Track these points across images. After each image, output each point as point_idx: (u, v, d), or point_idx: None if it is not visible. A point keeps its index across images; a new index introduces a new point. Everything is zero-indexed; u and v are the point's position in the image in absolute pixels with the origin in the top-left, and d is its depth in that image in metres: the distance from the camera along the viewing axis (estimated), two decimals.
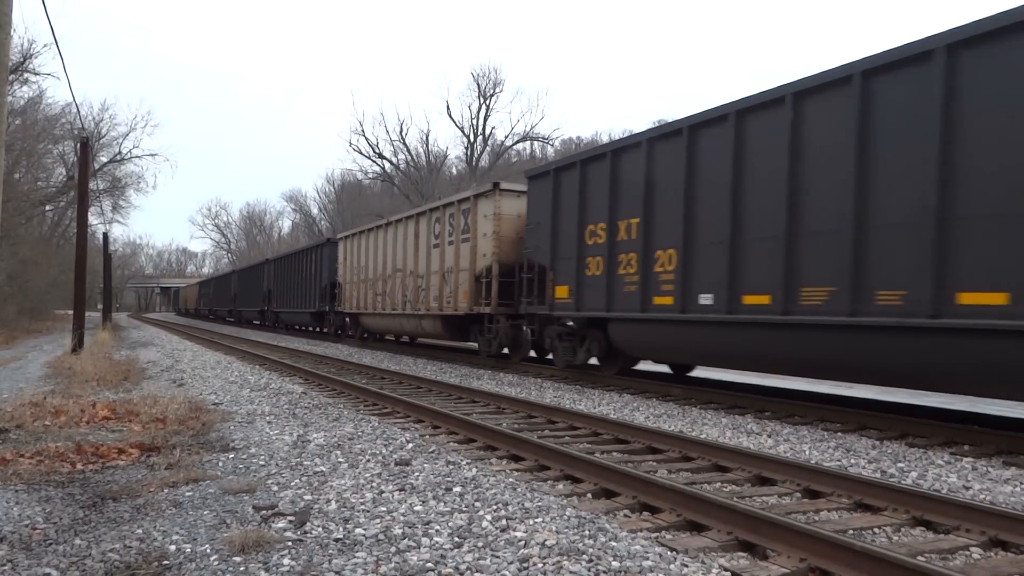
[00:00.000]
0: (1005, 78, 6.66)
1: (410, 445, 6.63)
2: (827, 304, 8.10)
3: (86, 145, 20.33)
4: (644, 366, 13.96)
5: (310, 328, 30.70)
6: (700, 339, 10.07)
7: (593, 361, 12.91)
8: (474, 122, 54.35)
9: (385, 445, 6.61)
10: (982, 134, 6.81)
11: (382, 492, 4.95)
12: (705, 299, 9.74)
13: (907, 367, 7.62)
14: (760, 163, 8.98)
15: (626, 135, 13.05)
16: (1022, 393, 7.01)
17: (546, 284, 13.29)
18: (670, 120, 10.90)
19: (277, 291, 34.63)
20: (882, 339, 7.62)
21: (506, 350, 15.60)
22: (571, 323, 13.10)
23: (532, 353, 15.59)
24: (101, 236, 44.55)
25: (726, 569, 3.71)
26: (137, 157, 50.26)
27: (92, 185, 28.66)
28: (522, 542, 3.93)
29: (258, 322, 41.67)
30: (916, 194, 7.26)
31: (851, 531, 4.38)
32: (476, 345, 16.58)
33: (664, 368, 13.71)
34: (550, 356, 14.40)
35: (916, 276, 7.21)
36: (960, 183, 6.92)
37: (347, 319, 25.52)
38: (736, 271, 9.26)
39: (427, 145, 57.48)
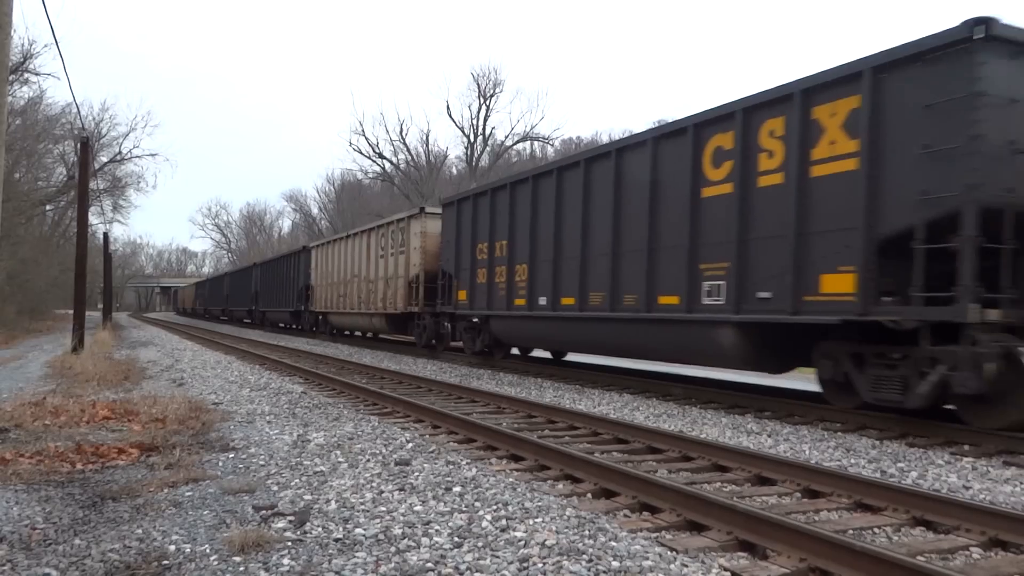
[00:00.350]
0: (668, 162, 10.46)
1: (410, 445, 6.63)
2: (602, 304, 11.68)
3: (86, 145, 20.33)
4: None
5: (292, 326, 34.17)
6: (540, 329, 14.03)
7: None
8: (474, 122, 54.43)
9: (385, 445, 6.61)
10: (666, 197, 10.44)
11: (382, 492, 4.96)
12: (542, 300, 13.38)
13: (642, 345, 11.66)
14: (569, 210, 12.68)
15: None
16: (699, 360, 10.92)
17: (452, 289, 16.83)
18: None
19: (263, 292, 38.38)
20: (627, 326, 11.32)
21: (434, 341, 18.77)
22: (475, 319, 16.33)
23: (459, 344, 17.85)
24: (101, 236, 44.59)
25: (726, 569, 3.71)
26: (137, 157, 50.26)
27: (92, 185, 28.65)
28: (522, 542, 3.93)
29: (249, 320, 44.60)
30: (640, 232, 10.81)
31: (851, 531, 4.38)
32: (413, 338, 20.06)
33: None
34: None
35: (640, 285, 10.73)
36: (659, 227, 10.54)
37: (319, 317, 28.67)
38: (557, 281, 12.92)
39: (427, 145, 57.54)
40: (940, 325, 7.04)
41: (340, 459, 5.99)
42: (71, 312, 20.35)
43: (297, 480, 5.29)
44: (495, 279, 14.87)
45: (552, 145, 57.68)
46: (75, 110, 40.52)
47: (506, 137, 55.56)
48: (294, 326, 33.24)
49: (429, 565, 3.59)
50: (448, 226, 17.12)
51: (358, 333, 27.12)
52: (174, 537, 4.02)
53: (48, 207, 46.25)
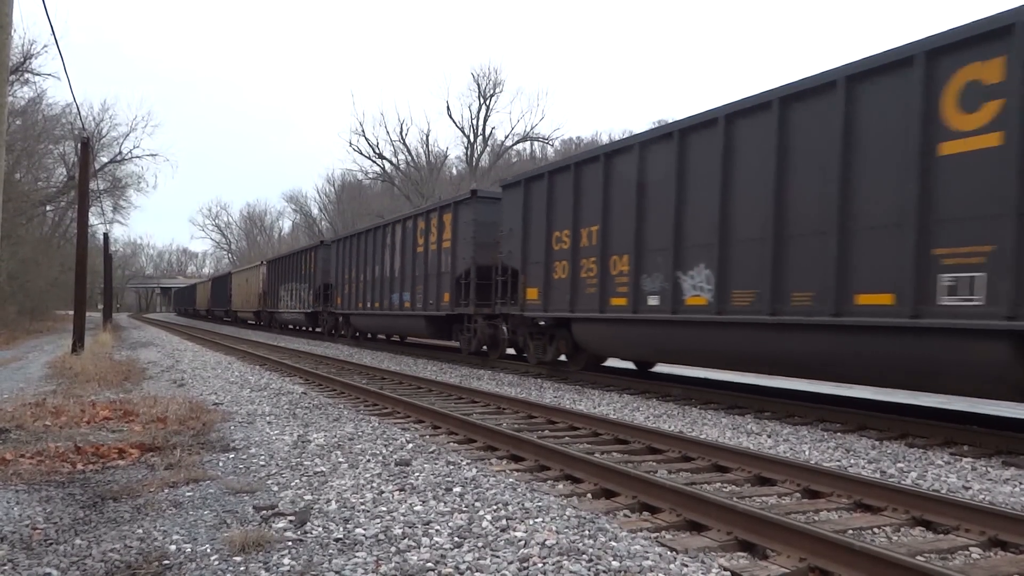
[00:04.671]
0: (414, 232, 19.68)
1: (410, 445, 6.63)
2: (380, 306, 21.23)
3: (86, 145, 20.32)
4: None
5: (258, 323, 43.56)
6: (374, 321, 22.76)
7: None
8: (474, 122, 54.38)
9: (385, 445, 6.61)
10: (411, 250, 19.96)
11: (382, 492, 4.96)
12: (376, 303, 21.85)
13: (390, 327, 22.57)
14: (391, 250, 21.31)
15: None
16: (413, 334, 21.21)
17: (333, 296, 26.45)
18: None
19: (235, 296, 47.70)
20: (393, 318, 20.68)
21: (332, 332, 27.86)
22: (352, 318, 24.90)
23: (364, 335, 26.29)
24: (101, 236, 44.52)
25: (726, 569, 3.72)
26: (137, 157, 50.24)
27: (92, 185, 28.65)
28: (522, 542, 3.93)
29: (229, 319, 51.92)
30: (413, 268, 19.70)
31: (851, 531, 4.39)
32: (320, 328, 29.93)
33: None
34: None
35: (405, 295, 19.83)
36: (411, 264, 19.92)
37: (271, 316, 38.58)
38: (381, 290, 21.51)
39: (427, 145, 57.48)
40: (466, 315, 16.15)
41: (340, 459, 6.00)
42: (71, 313, 20.35)
43: (297, 480, 5.29)
44: (355, 290, 23.81)
45: (552, 145, 57.66)
46: (75, 110, 40.62)
47: (506, 137, 55.56)
48: (260, 323, 42.55)
49: (429, 565, 3.59)
50: (336, 256, 26.24)
51: (308, 328, 35.24)
52: (175, 537, 4.02)
53: (48, 207, 46.24)
